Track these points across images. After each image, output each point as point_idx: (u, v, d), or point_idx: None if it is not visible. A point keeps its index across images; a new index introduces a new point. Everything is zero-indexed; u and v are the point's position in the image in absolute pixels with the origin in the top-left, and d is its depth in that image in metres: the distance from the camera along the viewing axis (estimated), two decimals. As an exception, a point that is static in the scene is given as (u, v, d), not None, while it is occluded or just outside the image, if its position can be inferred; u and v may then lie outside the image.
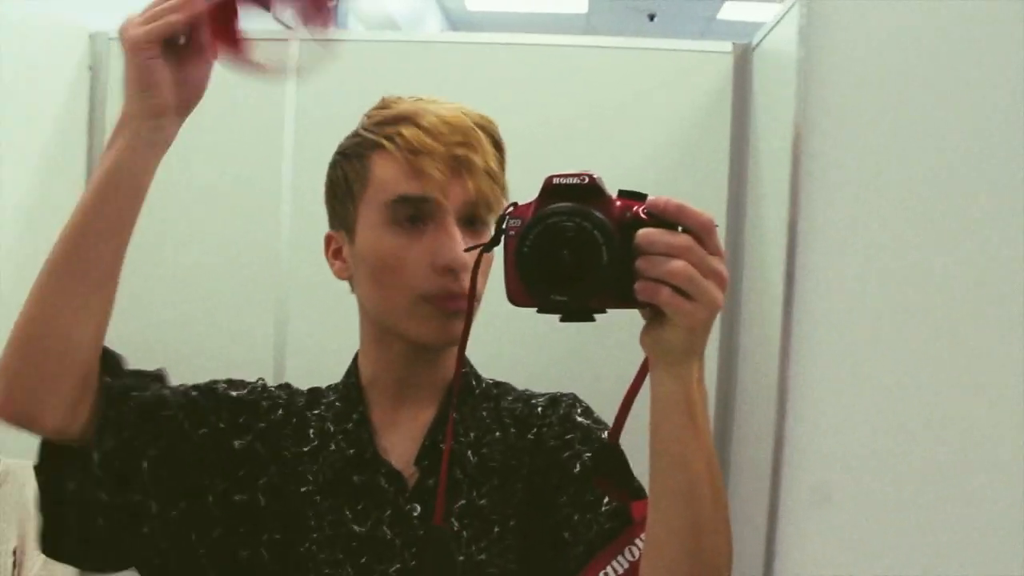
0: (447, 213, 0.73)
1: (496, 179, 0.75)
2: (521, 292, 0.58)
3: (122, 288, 0.70)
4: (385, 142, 0.74)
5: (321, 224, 0.81)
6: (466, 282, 0.70)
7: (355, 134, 0.78)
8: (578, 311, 0.57)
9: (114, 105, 1.64)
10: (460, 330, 0.70)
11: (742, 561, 1.25)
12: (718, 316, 0.57)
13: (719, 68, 1.59)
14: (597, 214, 0.56)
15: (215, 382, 0.80)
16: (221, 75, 0.70)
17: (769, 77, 1.49)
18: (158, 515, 0.71)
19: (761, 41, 1.53)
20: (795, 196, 1.17)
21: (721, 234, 0.58)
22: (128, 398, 0.72)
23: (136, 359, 0.78)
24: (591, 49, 1.67)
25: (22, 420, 0.68)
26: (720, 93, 1.59)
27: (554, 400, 0.81)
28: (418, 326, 0.74)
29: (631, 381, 0.61)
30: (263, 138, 1.62)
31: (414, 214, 0.73)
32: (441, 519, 0.69)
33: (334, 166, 0.79)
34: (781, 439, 1.17)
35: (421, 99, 0.77)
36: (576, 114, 1.61)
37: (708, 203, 1.54)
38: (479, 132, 0.75)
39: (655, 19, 5.75)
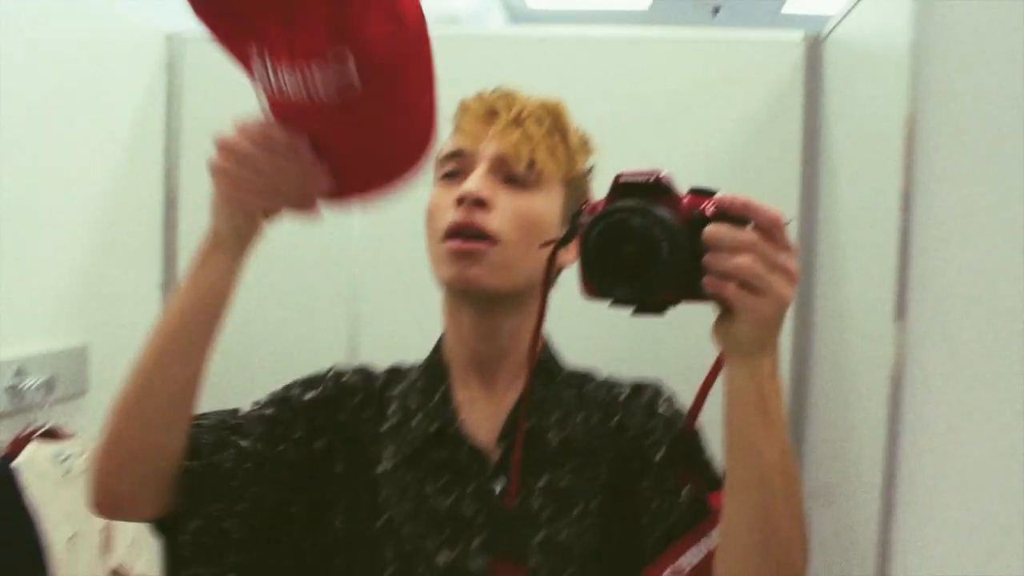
0: (476, 161, 0.76)
1: (527, 133, 0.76)
2: (591, 286, 0.59)
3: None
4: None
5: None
6: (481, 219, 0.73)
7: None
8: (648, 305, 0.58)
9: (191, 105, 1.69)
10: (476, 274, 0.73)
11: (851, 564, 1.22)
12: (791, 312, 0.57)
13: (789, 58, 1.56)
14: (659, 211, 0.58)
15: (290, 389, 0.81)
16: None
17: (843, 66, 1.45)
18: (248, 545, 0.74)
19: (833, 29, 1.49)
20: (908, 191, 1.10)
21: (793, 228, 0.58)
22: (207, 473, 0.73)
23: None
24: (657, 42, 1.65)
25: (117, 516, 0.75)
26: (790, 84, 1.55)
27: (638, 388, 0.82)
28: (440, 268, 0.76)
29: (707, 374, 0.64)
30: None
31: (452, 169, 0.77)
32: (516, 496, 0.70)
33: None
34: (895, 442, 1.12)
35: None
36: (642, 108, 1.59)
37: (779, 196, 1.51)
38: (522, 97, 0.79)
39: (719, 12, 5.65)
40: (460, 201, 0.74)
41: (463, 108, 0.80)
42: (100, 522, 1.50)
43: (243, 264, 0.68)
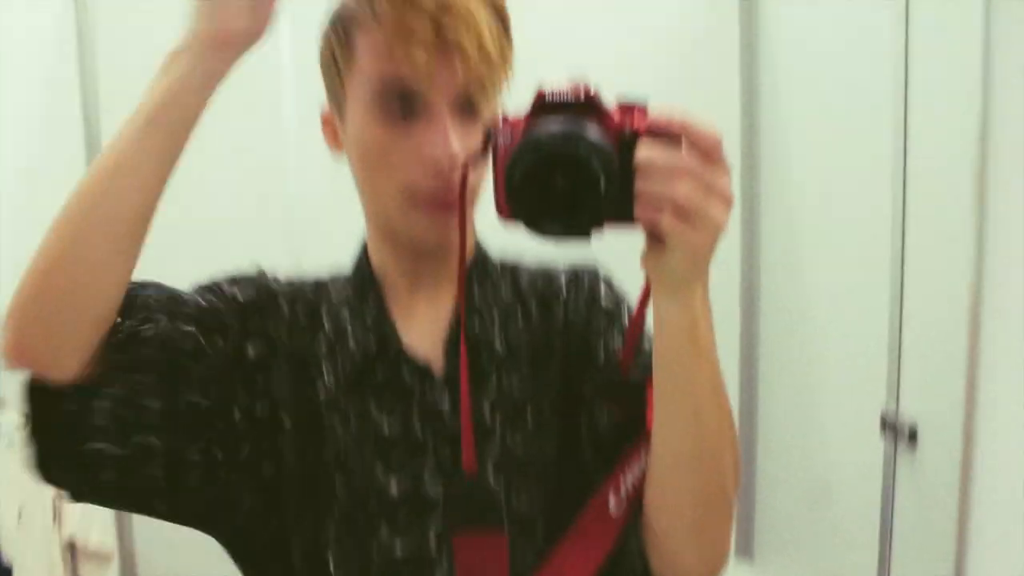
0: (438, 106, 0.66)
1: (490, 60, 0.66)
2: (511, 211, 0.54)
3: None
4: (366, 14, 0.66)
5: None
6: (457, 179, 0.66)
7: (342, 2, 0.71)
8: (575, 234, 0.54)
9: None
10: (454, 227, 0.67)
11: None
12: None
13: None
14: (593, 138, 0.53)
15: (218, 282, 0.73)
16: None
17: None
18: (174, 453, 0.65)
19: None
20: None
21: (735, 135, 0.54)
22: (140, 337, 0.65)
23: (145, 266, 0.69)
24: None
25: (32, 367, 0.62)
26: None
27: (575, 275, 0.78)
28: (410, 228, 0.70)
29: (635, 306, 0.62)
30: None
31: (403, 107, 0.67)
32: (470, 417, 0.67)
33: (324, 37, 0.72)
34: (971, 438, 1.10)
35: None
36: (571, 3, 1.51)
37: (718, 104, 1.46)
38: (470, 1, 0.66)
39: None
40: (438, 170, 0.66)
41: (396, 21, 0.64)
42: (49, 493, 1.45)
43: (218, 69, 0.61)
